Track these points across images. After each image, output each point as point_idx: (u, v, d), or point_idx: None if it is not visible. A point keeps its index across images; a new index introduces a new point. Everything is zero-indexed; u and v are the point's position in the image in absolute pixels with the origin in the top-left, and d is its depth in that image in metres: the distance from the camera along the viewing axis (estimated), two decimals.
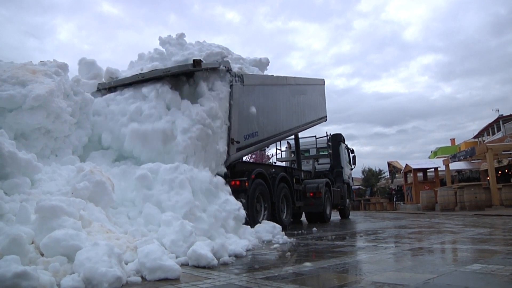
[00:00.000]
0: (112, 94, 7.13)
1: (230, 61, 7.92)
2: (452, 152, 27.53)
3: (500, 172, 22.06)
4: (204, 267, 3.61)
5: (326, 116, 13.77)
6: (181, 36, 8.11)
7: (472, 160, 23.04)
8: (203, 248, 3.81)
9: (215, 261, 3.73)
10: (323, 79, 14.06)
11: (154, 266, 3.13)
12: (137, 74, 7.14)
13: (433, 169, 24.05)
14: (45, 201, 3.70)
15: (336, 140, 14.24)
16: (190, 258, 3.74)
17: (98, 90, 7.36)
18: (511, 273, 2.93)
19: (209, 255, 3.73)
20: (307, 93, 11.98)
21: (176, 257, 3.87)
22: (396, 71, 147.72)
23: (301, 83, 11.62)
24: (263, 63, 9.53)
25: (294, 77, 11.26)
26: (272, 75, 9.79)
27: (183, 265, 3.66)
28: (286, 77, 10.54)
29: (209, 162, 6.62)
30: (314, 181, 11.54)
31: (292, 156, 13.82)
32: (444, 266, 3.39)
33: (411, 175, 24.23)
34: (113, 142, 6.51)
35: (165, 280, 3.05)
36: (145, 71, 7.20)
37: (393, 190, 31.61)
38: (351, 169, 16.13)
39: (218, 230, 5.17)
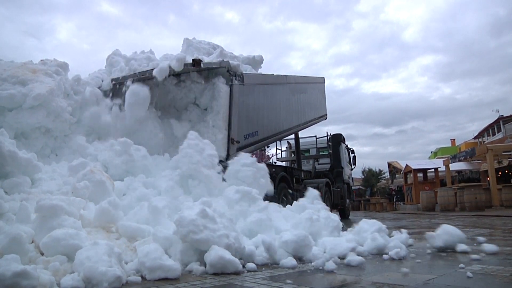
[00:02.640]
0: None
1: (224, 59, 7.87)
2: (452, 153, 27.51)
3: (500, 173, 22.02)
4: (229, 274, 3.24)
5: (326, 115, 13.76)
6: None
7: (472, 160, 23.01)
8: (226, 253, 3.36)
9: (241, 267, 3.37)
10: (323, 77, 14.05)
11: (154, 265, 3.12)
12: (135, 73, 7.29)
13: (433, 170, 24.03)
14: (45, 200, 3.70)
15: (336, 140, 14.23)
16: (213, 265, 3.27)
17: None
18: (511, 274, 2.93)
19: (237, 261, 3.38)
20: (307, 91, 11.97)
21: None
22: (396, 72, 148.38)
23: (301, 81, 11.59)
24: (257, 61, 9.25)
25: (294, 76, 11.25)
26: (272, 74, 9.76)
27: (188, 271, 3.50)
28: (286, 76, 10.52)
29: None
30: (314, 181, 11.52)
31: (292, 156, 13.82)
32: (444, 267, 3.39)
33: (411, 175, 24.21)
34: None
35: (165, 279, 3.04)
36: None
37: (393, 190, 31.61)
38: (351, 169, 16.11)
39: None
